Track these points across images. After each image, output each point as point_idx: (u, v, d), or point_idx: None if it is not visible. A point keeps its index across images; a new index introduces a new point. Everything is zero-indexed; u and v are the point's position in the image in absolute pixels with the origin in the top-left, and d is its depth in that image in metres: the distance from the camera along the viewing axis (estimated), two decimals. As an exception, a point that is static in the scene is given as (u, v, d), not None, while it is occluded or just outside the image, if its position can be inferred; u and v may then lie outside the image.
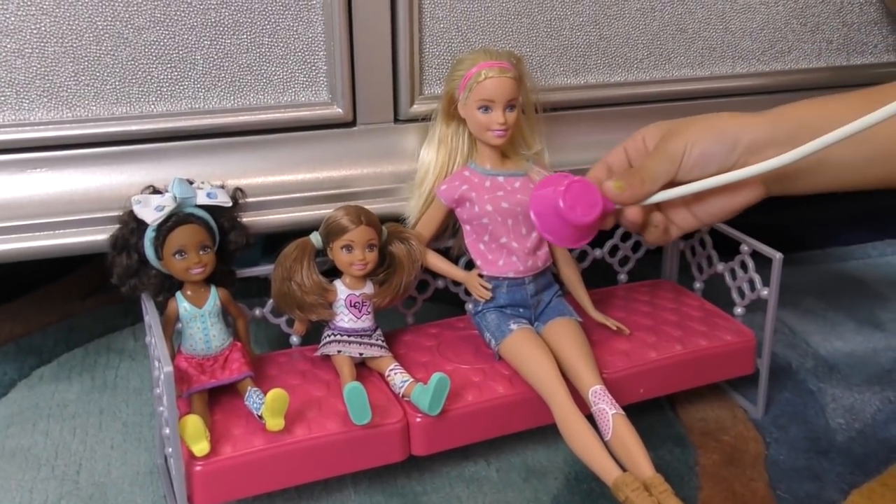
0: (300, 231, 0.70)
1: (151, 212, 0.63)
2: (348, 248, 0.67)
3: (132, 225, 0.65)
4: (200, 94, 0.69)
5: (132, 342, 0.90)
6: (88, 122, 0.67)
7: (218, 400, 0.66)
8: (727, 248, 0.81)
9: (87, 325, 0.93)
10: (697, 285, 0.85)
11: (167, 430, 0.60)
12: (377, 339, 0.70)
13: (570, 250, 0.76)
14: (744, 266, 0.79)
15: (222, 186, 0.68)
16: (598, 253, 0.85)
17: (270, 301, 0.71)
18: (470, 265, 0.74)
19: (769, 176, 0.59)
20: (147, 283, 0.65)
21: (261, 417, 0.62)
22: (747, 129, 0.59)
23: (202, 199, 0.65)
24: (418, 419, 0.65)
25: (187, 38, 0.67)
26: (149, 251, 0.64)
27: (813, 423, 0.77)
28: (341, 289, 0.69)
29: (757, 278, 0.77)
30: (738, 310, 0.80)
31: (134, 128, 0.68)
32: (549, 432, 0.69)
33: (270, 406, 0.61)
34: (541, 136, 0.73)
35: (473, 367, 0.71)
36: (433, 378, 0.64)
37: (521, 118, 0.70)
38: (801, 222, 1.20)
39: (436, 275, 0.76)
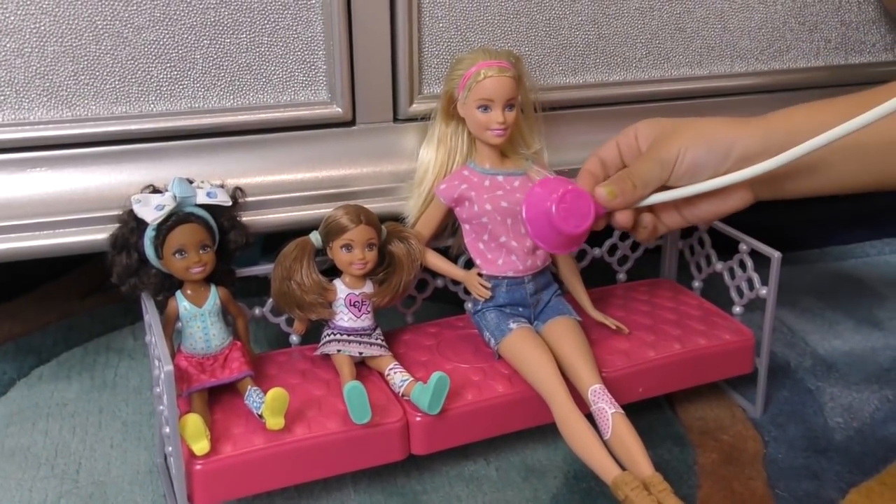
0: (300, 230, 0.70)
1: (151, 211, 0.63)
2: (348, 247, 0.67)
3: (132, 224, 0.65)
4: (200, 93, 0.69)
5: (131, 341, 0.90)
6: (88, 121, 0.67)
7: (218, 399, 0.66)
8: (726, 248, 0.81)
9: (87, 324, 0.93)
10: (696, 284, 0.85)
11: (167, 429, 0.60)
12: (377, 339, 0.70)
13: (569, 249, 0.77)
14: (742, 265, 0.79)
15: (222, 186, 0.68)
16: (596, 252, 0.85)
17: (270, 300, 0.72)
18: (469, 264, 0.74)
19: (756, 181, 0.60)
20: (147, 282, 0.65)
21: (261, 416, 0.62)
22: (740, 139, 0.60)
23: (202, 198, 0.66)
24: (418, 418, 0.65)
25: (187, 38, 0.67)
26: (149, 250, 0.64)
27: (811, 422, 0.77)
28: (341, 288, 0.69)
29: (756, 277, 0.77)
30: (737, 309, 0.80)
31: (133, 127, 0.68)
32: (548, 431, 0.69)
33: (270, 405, 0.61)
34: (540, 135, 0.74)
35: (473, 366, 0.71)
36: (433, 377, 0.64)
37: (520, 117, 0.70)
38: (800, 222, 1.20)
39: (435, 274, 0.76)
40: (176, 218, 0.64)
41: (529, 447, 0.73)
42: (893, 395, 0.81)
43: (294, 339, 0.74)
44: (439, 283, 0.78)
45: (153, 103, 0.68)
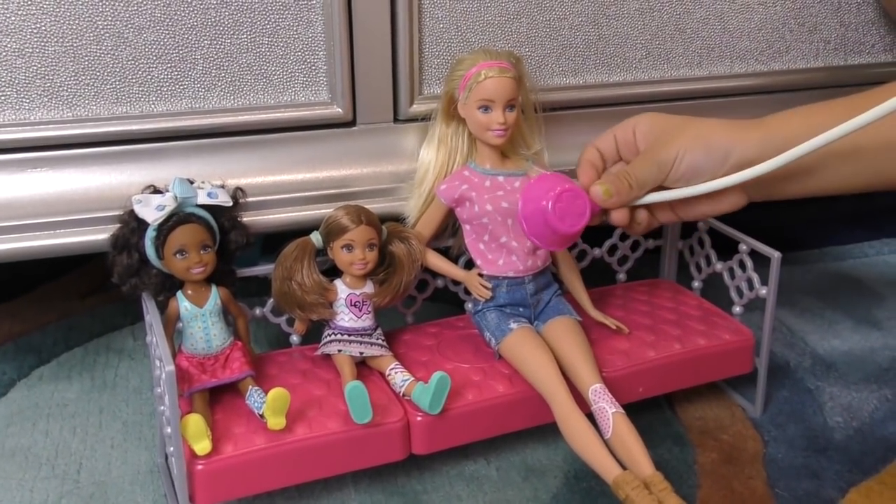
0: (300, 231, 0.70)
1: (152, 211, 0.63)
2: (348, 247, 0.67)
3: (133, 224, 0.65)
4: (200, 93, 0.69)
5: (131, 341, 0.90)
6: (89, 121, 0.67)
7: (219, 399, 0.66)
8: (726, 248, 0.81)
9: (87, 324, 0.93)
10: (696, 284, 0.85)
11: (169, 429, 0.60)
12: (377, 339, 0.70)
13: (569, 249, 0.77)
14: (742, 265, 0.79)
15: (222, 186, 0.68)
16: (596, 252, 0.85)
17: (271, 300, 0.72)
18: (469, 264, 0.74)
19: (751, 183, 0.61)
20: (148, 282, 0.65)
21: (262, 416, 0.63)
22: (738, 145, 0.61)
23: (203, 198, 0.66)
24: (419, 418, 0.65)
25: (187, 38, 0.67)
26: (149, 251, 0.64)
27: (811, 422, 0.77)
28: (341, 288, 0.69)
29: (755, 277, 0.77)
30: (737, 309, 0.80)
31: (134, 127, 0.68)
32: (548, 431, 0.70)
33: (272, 405, 0.61)
34: (540, 135, 0.74)
35: (473, 366, 0.71)
36: (434, 377, 0.64)
37: (520, 118, 0.70)
38: (799, 222, 1.20)
39: (435, 274, 0.76)
40: (177, 218, 0.64)
41: (530, 447, 0.73)
42: (892, 395, 0.81)
43: (294, 339, 0.74)
44: (440, 283, 0.78)
45: (154, 103, 0.68)
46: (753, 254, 0.77)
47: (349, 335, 0.69)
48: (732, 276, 0.80)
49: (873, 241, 1.15)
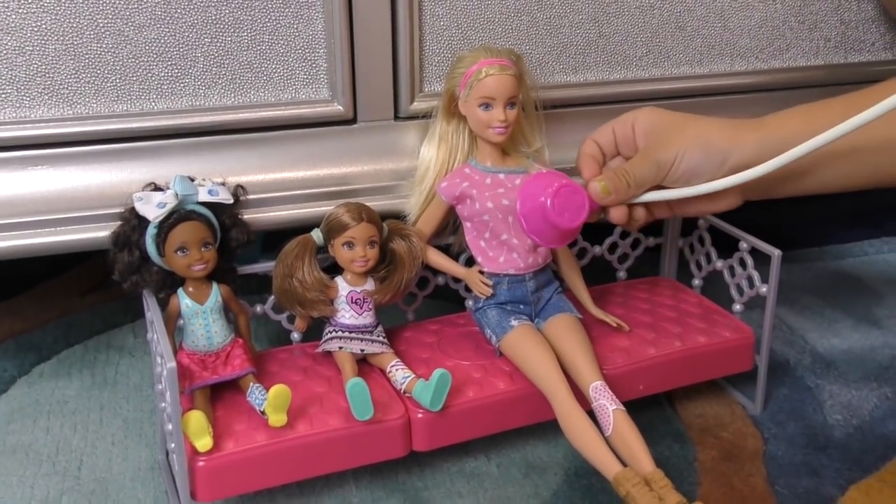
0: (301, 228, 0.70)
1: (153, 209, 0.64)
2: (349, 244, 0.68)
3: (134, 222, 0.65)
4: (201, 91, 0.69)
5: (132, 339, 0.90)
6: (89, 119, 0.67)
7: (220, 396, 0.66)
8: (726, 246, 0.81)
9: (87, 321, 0.93)
10: (696, 282, 0.85)
11: (170, 426, 0.60)
12: (378, 336, 0.70)
13: (570, 246, 0.77)
14: (742, 263, 0.79)
15: (223, 183, 0.68)
16: (597, 250, 0.85)
17: (271, 298, 0.72)
18: (470, 262, 0.74)
19: (747, 184, 0.62)
20: (149, 279, 0.65)
21: (263, 413, 0.63)
22: (736, 148, 0.62)
23: (204, 196, 0.66)
24: (420, 415, 0.65)
25: (188, 36, 0.67)
26: (150, 248, 0.64)
27: (811, 420, 0.77)
28: (342, 285, 0.69)
29: (756, 275, 0.77)
30: (737, 307, 0.80)
31: (135, 125, 0.68)
32: (548, 428, 0.70)
33: (273, 402, 0.61)
34: (541, 133, 0.74)
35: (474, 363, 0.72)
36: (435, 374, 0.64)
37: (521, 116, 0.71)
38: (799, 221, 1.20)
39: (436, 271, 0.76)
40: (178, 216, 0.64)
41: (530, 444, 0.74)
42: (892, 393, 0.81)
43: (295, 336, 0.74)
44: (440, 280, 0.78)
45: (154, 101, 0.68)
46: (754, 252, 0.77)
47: (350, 332, 0.69)
48: (733, 274, 0.81)
49: (873, 240, 1.15)
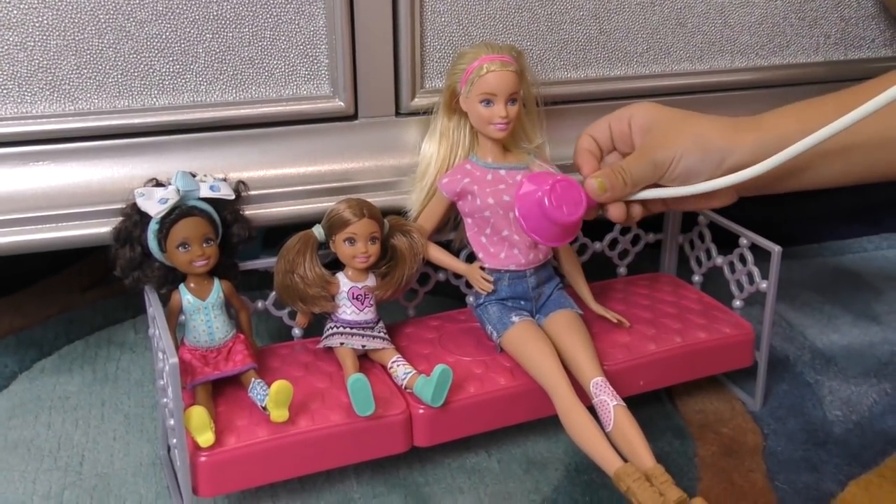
0: (302, 224, 0.70)
1: (155, 204, 0.64)
2: (351, 240, 0.68)
3: (135, 217, 0.65)
4: (202, 87, 0.69)
5: (133, 335, 0.90)
6: (91, 114, 0.67)
7: (221, 391, 0.67)
8: (726, 242, 0.81)
9: (88, 317, 0.93)
10: (696, 278, 0.86)
11: (172, 422, 0.60)
12: (379, 332, 0.70)
13: (570, 243, 0.77)
14: (742, 259, 0.79)
15: (225, 179, 0.68)
16: (597, 246, 0.85)
17: (272, 294, 0.72)
18: (471, 258, 0.74)
19: (744, 183, 0.62)
20: (150, 275, 0.66)
21: (265, 409, 0.63)
22: (734, 149, 0.62)
23: (205, 191, 0.66)
24: (421, 411, 0.66)
25: (189, 32, 0.67)
26: (152, 244, 0.64)
27: (810, 415, 0.78)
28: (344, 281, 0.69)
29: (756, 271, 0.78)
30: (737, 303, 0.80)
31: (136, 121, 0.68)
32: (549, 424, 0.70)
33: (275, 397, 0.62)
34: (542, 129, 0.74)
35: (475, 359, 0.72)
36: (436, 370, 0.64)
37: (522, 112, 0.71)
38: (798, 217, 1.20)
39: (437, 267, 0.76)
40: (179, 211, 0.64)
41: (531, 439, 0.74)
42: (891, 389, 0.82)
43: (296, 332, 0.75)
44: (441, 276, 0.79)
45: (156, 97, 0.68)
46: (754, 248, 0.77)
47: (351, 328, 0.69)
48: (733, 270, 0.81)
49: (872, 236, 1.15)
